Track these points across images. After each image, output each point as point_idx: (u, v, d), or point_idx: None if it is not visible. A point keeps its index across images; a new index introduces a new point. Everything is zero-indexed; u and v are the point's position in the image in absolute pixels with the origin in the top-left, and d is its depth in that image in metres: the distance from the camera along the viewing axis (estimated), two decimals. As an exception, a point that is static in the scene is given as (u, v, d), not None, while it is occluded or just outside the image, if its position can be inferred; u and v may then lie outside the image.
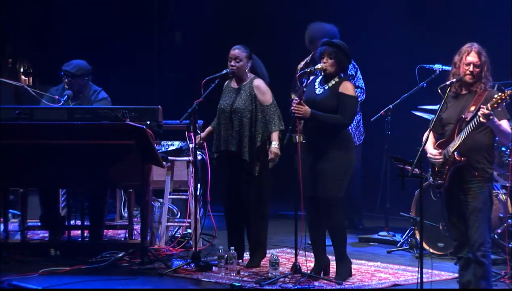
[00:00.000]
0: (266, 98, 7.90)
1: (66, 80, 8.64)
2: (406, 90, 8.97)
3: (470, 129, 6.35)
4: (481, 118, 6.24)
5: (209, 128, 8.13)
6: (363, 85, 9.13)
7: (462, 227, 6.54)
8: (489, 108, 6.23)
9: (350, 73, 8.93)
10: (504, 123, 6.40)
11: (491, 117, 6.24)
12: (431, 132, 6.56)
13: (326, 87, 7.43)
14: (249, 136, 7.85)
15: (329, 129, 7.35)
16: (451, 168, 6.45)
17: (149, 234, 8.53)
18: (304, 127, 7.41)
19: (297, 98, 7.36)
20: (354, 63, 9.04)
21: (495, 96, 6.25)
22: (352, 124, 8.26)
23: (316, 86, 7.50)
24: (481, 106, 6.27)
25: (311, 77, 7.67)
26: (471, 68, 6.49)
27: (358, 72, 9.13)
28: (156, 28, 12.52)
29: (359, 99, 8.59)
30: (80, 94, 8.64)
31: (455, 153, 6.42)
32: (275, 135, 7.82)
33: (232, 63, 7.93)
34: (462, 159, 6.40)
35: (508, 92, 6.23)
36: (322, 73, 7.49)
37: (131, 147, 8.00)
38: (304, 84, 7.46)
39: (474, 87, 6.50)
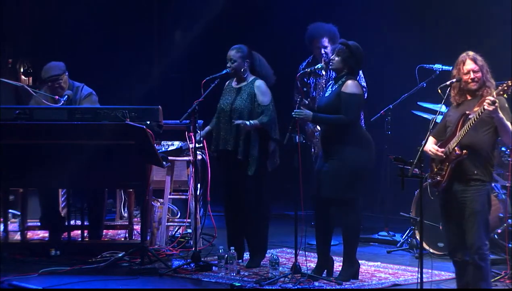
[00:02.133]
0: (265, 99, 7.91)
1: (47, 85, 8.61)
2: (406, 90, 8.97)
3: (473, 122, 6.31)
4: (486, 106, 6.21)
5: (208, 128, 8.14)
6: (365, 84, 9.12)
7: (459, 230, 6.50)
8: (495, 95, 6.22)
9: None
10: (509, 125, 6.38)
11: (496, 104, 6.20)
12: (433, 137, 6.55)
13: (334, 89, 7.43)
14: (246, 136, 7.85)
15: (339, 129, 7.32)
16: (452, 163, 6.41)
17: (149, 234, 8.53)
18: (320, 129, 7.41)
19: (300, 97, 7.39)
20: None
21: (502, 84, 6.24)
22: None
23: (327, 90, 7.52)
24: (486, 97, 6.26)
25: (323, 81, 7.67)
26: (471, 75, 6.48)
27: (360, 71, 9.10)
28: (156, 28, 12.52)
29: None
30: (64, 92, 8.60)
31: (456, 147, 6.39)
32: (258, 123, 7.81)
33: (228, 64, 7.98)
34: (464, 151, 6.37)
35: None
36: (324, 72, 7.49)
37: (131, 147, 7.99)
38: (304, 84, 7.46)
39: (480, 92, 6.49)
